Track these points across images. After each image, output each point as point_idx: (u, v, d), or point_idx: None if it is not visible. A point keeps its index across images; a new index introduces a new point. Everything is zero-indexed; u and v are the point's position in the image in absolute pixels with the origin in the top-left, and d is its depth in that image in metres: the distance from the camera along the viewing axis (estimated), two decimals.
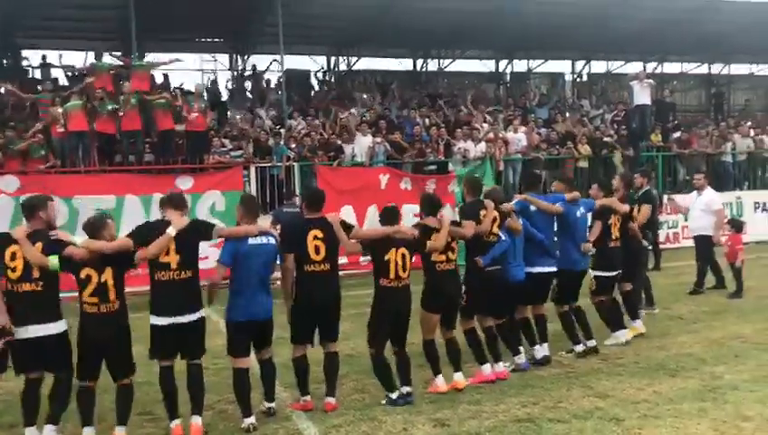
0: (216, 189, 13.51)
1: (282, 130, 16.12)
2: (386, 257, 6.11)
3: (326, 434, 5.52)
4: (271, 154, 15.06)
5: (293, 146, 15.39)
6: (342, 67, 24.37)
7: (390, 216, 6.35)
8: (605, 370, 7.04)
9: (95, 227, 5.45)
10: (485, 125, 17.31)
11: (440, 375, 6.42)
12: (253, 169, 14.51)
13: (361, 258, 11.40)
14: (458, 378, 6.50)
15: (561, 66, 26.83)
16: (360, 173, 14.93)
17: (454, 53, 24.64)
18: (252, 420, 5.65)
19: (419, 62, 24.98)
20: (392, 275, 6.11)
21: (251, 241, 5.76)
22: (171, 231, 5.46)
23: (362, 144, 15.69)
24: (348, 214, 13.17)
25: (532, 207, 7.47)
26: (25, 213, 5.58)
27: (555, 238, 7.70)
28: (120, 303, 5.42)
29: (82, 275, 5.33)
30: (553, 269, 7.45)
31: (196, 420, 5.49)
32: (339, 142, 15.77)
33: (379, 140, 15.90)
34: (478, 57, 25.56)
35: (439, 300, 6.46)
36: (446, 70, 25.32)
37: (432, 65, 25.19)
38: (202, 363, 5.69)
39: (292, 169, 14.76)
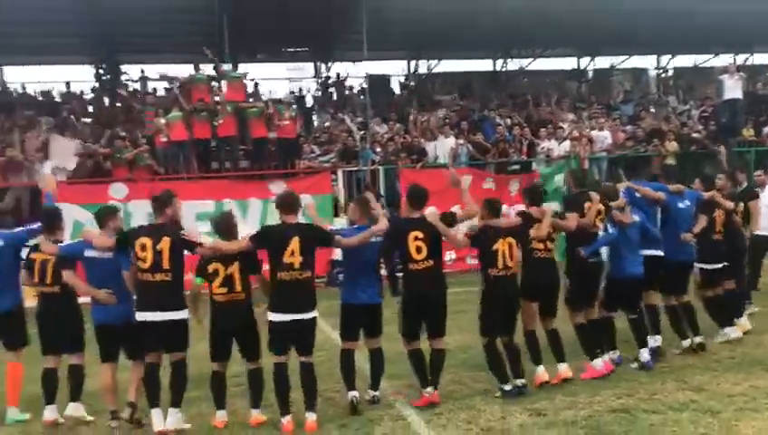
0: (307, 193, 14.03)
1: (366, 135, 16.61)
2: (493, 247, 6.29)
3: (428, 421, 5.84)
4: (357, 158, 15.57)
5: (378, 149, 15.84)
6: (423, 70, 24.71)
7: (494, 207, 6.54)
8: (699, 365, 7.07)
9: (224, 226, 6.00)
10: (569, 124, 17.29)
11: (541, 366, 6.58)
12: (340, 173, 15.04)
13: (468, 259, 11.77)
14: (562, 369, 6.63)
15: (646, 61, 26.23)
16: (442, 174, 15.09)
17: (534, 52, 24.55)
18: (355, 392, 6.13)
19: (499, 62, 25.03)
20: (500, 265, 6.29)
21: None
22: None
23: (445, 146, 15.98)
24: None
25: (637, 195, 7.56)
26: (155, 209, 6.08)
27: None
28: (247, 293, 5.94)
29: (210, 269, 5.89)
30: (660, 253, 7.45)
31: (311, 417, 5.82)
32: (421, 144, 16.11)
33: (461, 141, 16.16)
34: (559, 55, 25.38)
35: (536, 287, 6.67)
36: (526, 69, 25.26)
37: (512, 65, 25.18)
38: (313, 361, 6.05)
39: (377, 172, 15.21)
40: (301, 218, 6.27)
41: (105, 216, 6.22)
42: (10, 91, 20.40)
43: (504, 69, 25.09)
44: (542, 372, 6.55)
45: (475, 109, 19.68)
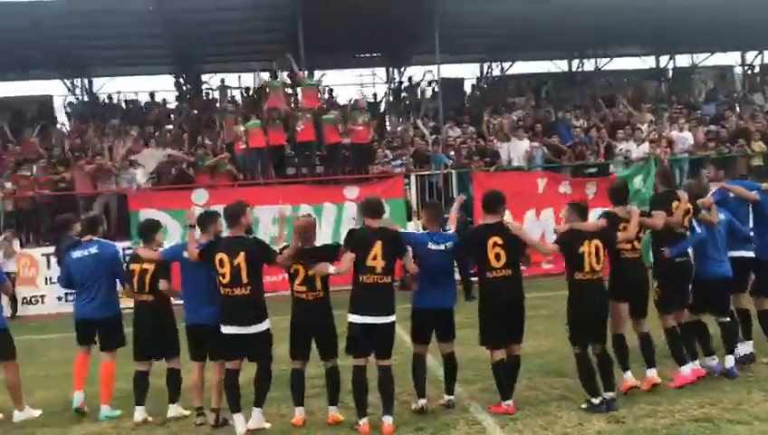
0: (380, 197, 14.21)
1: (439, 139, 16.64)
2: (579, 250, 6.12)
3: (503, 426, 5.82)
4: (429, 162, 15.62)
5: (451, 153, 15.84)
6: (496, 72, 24.56)
7: (580, 210, 6.41)
8: None
9: (309, 232, 6.17)
10: (647, 124, 16.84)
11: (629, 371, 6.41)
12: (413, 178, 15.11)
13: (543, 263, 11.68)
14: (651, 374, 6.46)
15: (730, 58, 25.24)
16: (517, 178, 15.05)
17: (611, 52, 24.03)
18: (424, 401, 6.18)
19: (575, 62, 24.61)
20: (587, 268, 6.12)
21: (432, 246, 6.23)
22: None
23: (519, 148, 15.83)
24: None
25: (731, 195, 7.36)
26: (228, 220, 6.20)
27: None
28: (326, 292, 6.11)
29: (292, 269, 6.09)
30: (751, 254, 7.22)
31: (388, 420, 5.88)
32: (495, 147, 16.00)
33: (536, 143, 15.97)
34: (637, 54, 24.75)
35: (625, 287, 6.50)
36: (603, 69, 24.74)
37: (588, 65, 24.72)
38: (391, 365, 6.10)
39: (449, 176, 15.21)
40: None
41: (207, 220, 6.37)
42: (99, 102, 21.43)
43: (580, 69, 24.65)
44: (629, 378, 6.39)
45: (550, 110, 19.41)
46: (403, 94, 22.40)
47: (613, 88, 22.49)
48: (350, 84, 23.80)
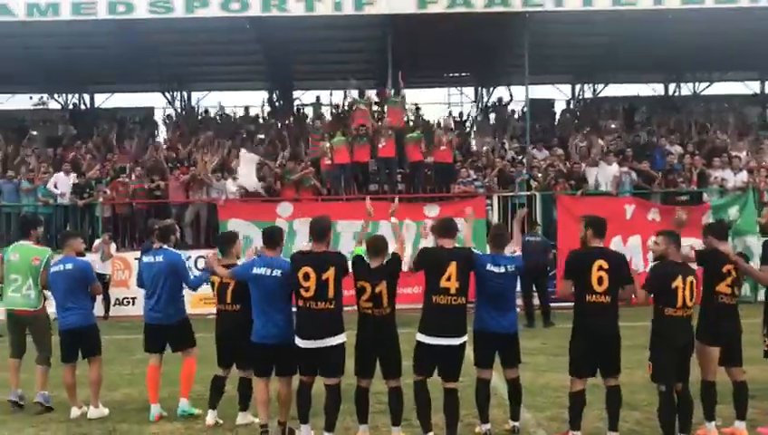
0: (461, 217, 14.14)
1: (524, 160, 16.45)
2: (672, 285, 5.85)
3: None
4: (513, 183, 15.45)
5: (537, 175, 15.62)
6: (588, 94, 24.07)
7: (676, 241, 6.11)
8: None
9: (378, 247, 6.19)
10: (746, 152, 16.08)
11: (713, 422, 6.09)
12: (495, 198, 14.98)
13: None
14: (740, 428, 6.13)
15: None
16: (603, 203, 14.64)
17: (711, 76, 23.11)
18: (488, 425, 6.11)
19: (671, 85, 23.81)
20: (678, 304, 5.85)
21: (492, 268, 6.17)
22: None
23: (607, 173, 15.43)
24: None
25: None
26: (315, 235, 6.21)
27: None
28: (392, 309, 6.10)
29: (358, 285, 6.12)
30: None
31: None
32: (582, 171, 15.67)
33: (625, 168, 15.53)
34: (739, 79, 23.68)
35: (718, 333, 6.13)
36: (701, 93, 23.80)
37: (686, 89, 23.85)
38: (457, 388, 6.05)
39: (534, 198, 14.99)
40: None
41: (228, 241, 6.72)
42: (195, 114, 22.37)
43: (676, 93, 23.82)
44: (712, 429, 6.07)
45: (641, 135, 18.83)
46: (491, 114, 22.28)
47: (712, 113, 21.58)
48: (438, 103, 23.91)
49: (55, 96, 23.32)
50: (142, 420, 6.97)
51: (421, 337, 5.99)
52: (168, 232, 7.38)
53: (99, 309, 12.50)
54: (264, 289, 6.16)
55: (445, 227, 6.24)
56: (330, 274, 5.94)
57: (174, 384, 7.21)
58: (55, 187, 15.23)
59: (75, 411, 7.16)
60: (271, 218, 14.03)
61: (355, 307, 6.22)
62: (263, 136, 18.98)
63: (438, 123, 17.41)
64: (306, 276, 5.94)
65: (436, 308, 5.94)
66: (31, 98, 23.39)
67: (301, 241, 13.89)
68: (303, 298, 5.98)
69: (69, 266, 7.20)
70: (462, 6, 15.57)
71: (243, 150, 15.84)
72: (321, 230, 6.20)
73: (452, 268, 5.91)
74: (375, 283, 6.02)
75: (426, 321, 6.01)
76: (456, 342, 5.92)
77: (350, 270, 6.14)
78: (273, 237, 6.43)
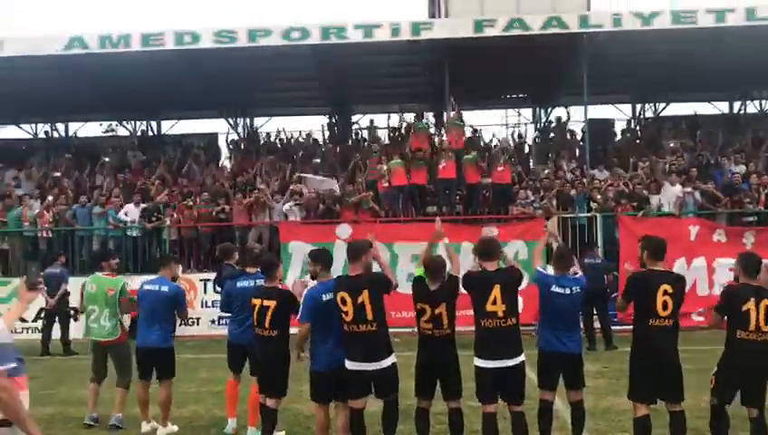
0: (520, 239, 14.10)
1: (584, 181, 16.30)
2: (743, 308, 5.75)
3: None
4: (573, 205, 15.31)
5: (597, 196, 15.45)
6: (648, 114, 23.68)
7: (752, 264, 5.97)
8: None
9: (436, 268, 6.20)
10: None
11: None
12: (555, 219, 14.81)
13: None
14: None
15: None
16: (666, 224, 14.37)
17: None
18: None
19: (737, 104, 23.20)
20: (751, 327, 5.73)
21: (557, 289, 6.17)
22: None
23: (670, 194, 15.15)
24: None
25: None
26: (350, 257, 6.27)
27: None
28: (452, 330, 6.16)
29: (419, 307, 6.19)
30: None
31: None
32: (644, 192, 15.43)
33: (689, 189, 15.22)
34: None
35: None
36: None
37: (752, 107, 23.20)
38: (523, 411, 6.02)
39: (594, 220, 14.82)
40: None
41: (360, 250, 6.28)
42: (257, 139, 22.96)
43: (742, 111, 23.20)
44: None
45: (705, 154, 18.41)
46: (550, 135, 22.14)
47: None
48: (496, 124, 23.91)
49: (124, 123, 24.29)
50: None
51: (478, 361, 6.00)
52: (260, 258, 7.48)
53: None
54: (330, 315, 6.11)
55: (486, 250, 6.21)
56: (364, 296, 5.94)
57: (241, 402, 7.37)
58: (125, 215, 15.87)
59: (145, 427, 7.44)
60: (330, 240, 14.25)
61: (416, 329, 6.27)
62: (319, 160, 19.38)
63: (496, 145, 17.42)
64: (343, 301, 5.99)
65: (487, 332, 5.94)
66: (101, 125, 24.48)
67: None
68: (346, 322, 6.01)
69: (164, 289, 7.44)
70: (519, 29, 15.65)
71: (309, 176, 16.22)
72: (354, 251, 6.22)
73: (496, 291, 5.90)
74: (434, 304, 6.08)
75: (479, 345, 6.03)
76: (511, 363, 5.90)
77: (398, 290, 6.18)
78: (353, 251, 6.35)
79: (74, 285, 12.30)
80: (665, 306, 5.77)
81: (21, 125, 24.10)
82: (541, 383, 6.29)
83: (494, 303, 5.90)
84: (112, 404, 7.63)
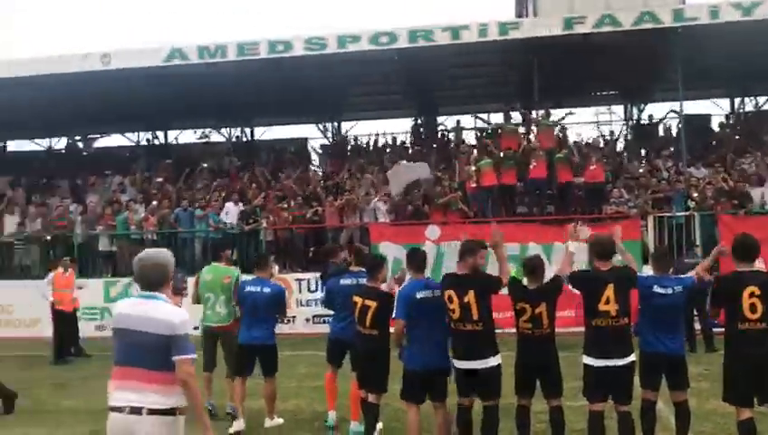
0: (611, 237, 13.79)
1: (681, 179, 15.82)
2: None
3: None
4: (670, 203, 14.89)
5: (694, 194, 14.98)
6: (749, 108, 22.66)
7: None
8: None
9: (535, 268, 6.30)
10: None
11: None
12: (651, 219, 14.50)
13: None
14: None
15: None
16: None
17: None
18: None
19: None
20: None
21: (659, 289, 6.10)
22: None
23: None
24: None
25: None
26: (459, 255, 6.29)
27: None
28: (552, 330, 6.20)
29: (518, 307, 6.26)
30: None
31: None
32: (745, 189, 14.83)
33: None
34: None
35: None
36: None
37: None
38: (631, 411, 5.96)
39: (692, 219, 14.37)
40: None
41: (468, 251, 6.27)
42: (346, 143, 23.41)
43: None
44: None
45: None
46: (642, 132, 21.55)
47: None
48: (586, 123, 23.44)
49: (222, 130, 25.28)
50: (313, 429, 7.50)
51: (587, 359, 5.98)
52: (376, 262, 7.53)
53: None
54: (426, 314, 6.20)
55: (603, 250, 6.14)
56: (470, 296, 6.00)
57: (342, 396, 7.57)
58: (226, 214, 16.59)
59: (240, 424, 7.49)
60: (420, 241, 14.43)
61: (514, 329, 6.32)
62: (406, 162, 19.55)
63: (587, 143, 17.15)
64: (450, 299, 6.08)
65: (598, 330, 5.91)
66: (195, 132, 25.58)
67: (448, 263, 14.21)
68: (453, 320, 6.11)
69: (266, 290, 7.65)
70: (609, 26, 15.36)
71: (397, 165, 16.38)
72: (464, 251, 6.25)
73: (609, 291, 5.85)
74: (535, 304, 6.12)
75: (589, 343, 6.01)
76: (621, 362, 5.86)
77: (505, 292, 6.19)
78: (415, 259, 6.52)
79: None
80: (753, 309, 5.56)
81: (125, 133, 25.53)
82: (643, 383, 6.20)
83: (607, 302, 5.86)
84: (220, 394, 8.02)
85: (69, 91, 18.62)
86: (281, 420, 7.74)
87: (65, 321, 13.20)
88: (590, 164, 15.34)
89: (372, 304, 6.57)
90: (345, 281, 7.44)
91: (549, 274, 6.42)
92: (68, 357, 12.99)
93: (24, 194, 19.15)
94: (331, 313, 7.88)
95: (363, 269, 7.26)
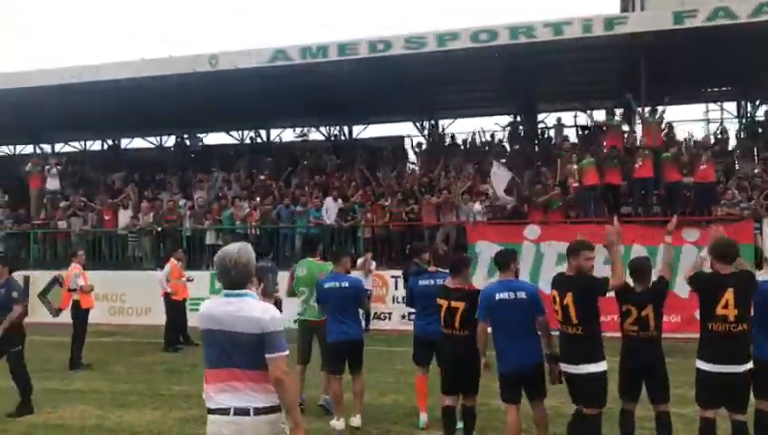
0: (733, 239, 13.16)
1: None
2: None
3: None
4: None
5: None
6: None
7: None
8: None
9: (642, 270, 6.13)
10: None
11: None
12: (766, 222, 13.73)
13: None
14: None
15: None
16: None
17: None
18: None
19: None
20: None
21: None
22: None
23: None
24: None
25: None
26: (568, 255, 6.11)
27: None
28: (659, 332, 6.03)
29: (624, 309, 6.09)
30: None
31: None
32: None
33: None
34: None
35: None
36: None
37: None
38: (746, 421, 5.75)
39: None
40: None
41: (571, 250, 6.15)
42: (443, 141, 23.37)
43: None
44: None
45: None
46: (756, 130, 20.38)
47: None
48: (696, 120, 22.44)
49: (321, 129, 25.82)
50: (412, 425, 7.56)
51: (701, 364, 5.78)
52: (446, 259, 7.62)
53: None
54: (508, 315, 6.13)
55: (724, 252, 5.88)
56: (568, 298, 5.90)
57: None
58: (325, 211, 16.97)
59: (340, 424, 7.48)
60: (518, 240, 14.27)
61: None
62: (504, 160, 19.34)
63: (697, 141, 16.40)
64: (554, 299, 6.04)
65: (714, 335, 5.71)
66: (294, 131, 26.23)
67: (548, 264, 13.96)
68: (559, 321, 6.05)
69: (345, 284, 7.69)
70: (724, 18, 14.62)
71: (495, 165, 16.25)
72: (568, 251, 6.14)
73: (729, 295, 5.63)
74: (641, 306, 5.97)
75: (704, 347, 5.80)
76: (738, 369, 5.64)
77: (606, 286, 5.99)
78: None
79: (280, 278, 13.37)
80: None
81: (229, 132, 26.53)
82: (757, 392, 5.88)
83: (726, 306, 5.66)
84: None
85: (178, 92, 19.55)
86: (359, 422, 7.55)
87: (177, 310, 13.87)
88: (699, 163, 14.66)
89: (460, 304, 6.54)
90: (423, 281, 7.44)
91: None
92: (178, 345, 13.64)
93: (137, 189, 20.21)
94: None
95: (440, 270, 7.27)
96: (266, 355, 3.78)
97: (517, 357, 6.08)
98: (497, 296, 6.17)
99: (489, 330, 6.34)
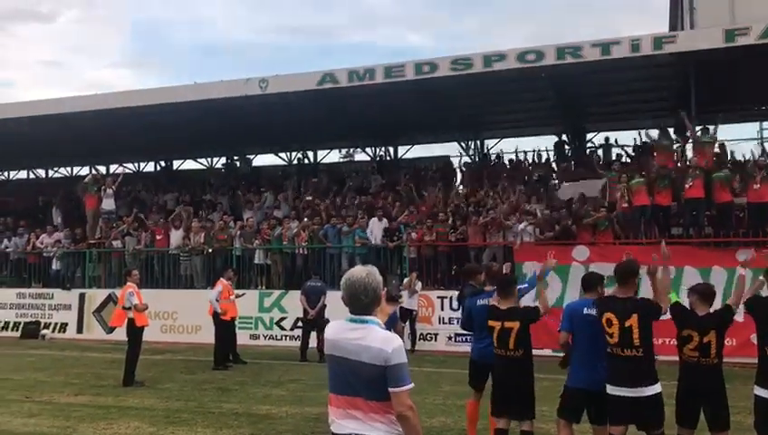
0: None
1: None
2: None
3: None
4: None
5: None
6: None
7: None
8: None
9: (707, 295, 6.06)
10: None
11: None
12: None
13: None
14: None
15: None
16: None
17: None
18: None
19: None
20: None
21: None
22: None
23: None
24: None
25: None
26: (620, 278, 6.02)
27: None
28: (719, 359, 5.91)
29: (684, 333, 6.00)
30: None
31: None
32: None
33: None
34: None
35: None
36: None
37: None
38: None
39: None
40: None
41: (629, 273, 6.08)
42: (489, 161, 23.33)
43: None
44: None
45: None
46: None
47: None
48: (749, 139, 21.88)
49: (365, 149, 26.05)
50: None
51: (759, 391, 5.66)
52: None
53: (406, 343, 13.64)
54: (592, 331, 6.06)
55: None
56: (633, 320, 5.75)
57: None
58: (370, 232, 17.10)
59: None
60: (566, 262, 14.10)
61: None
62: (555, 182, 19.24)
63: (751, 160, 16.01)
64: (609, 322, 5.86)
65: None
66: (340, 151, 26.52)
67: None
68: (610, 345, 5.89)
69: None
70: None
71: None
72: (623, 273, 6.01)
73: None
74: (704, 331, 5.87)
75: (763, 374, 5.67)
76: None
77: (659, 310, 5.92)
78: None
79: (330, 297, 13.53)
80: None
81: (278, 153, 26.99)
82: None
83: None
84: None
85: (229, 114, 20.02)
86: None
87: (226, 329, 14.10)
88: (753, 183, 14.32)
89: (514, 324, 6.46)
90: (481, 301, 7.33)
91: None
92: (227, 363, 13.85)
93: (190, 210, 20.66)
94: (469, 334, 7.78)
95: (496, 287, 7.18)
96: (390, 389, 3.63)
97: (591, 375, 6.03)
98: (585, 311, 6.15)
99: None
